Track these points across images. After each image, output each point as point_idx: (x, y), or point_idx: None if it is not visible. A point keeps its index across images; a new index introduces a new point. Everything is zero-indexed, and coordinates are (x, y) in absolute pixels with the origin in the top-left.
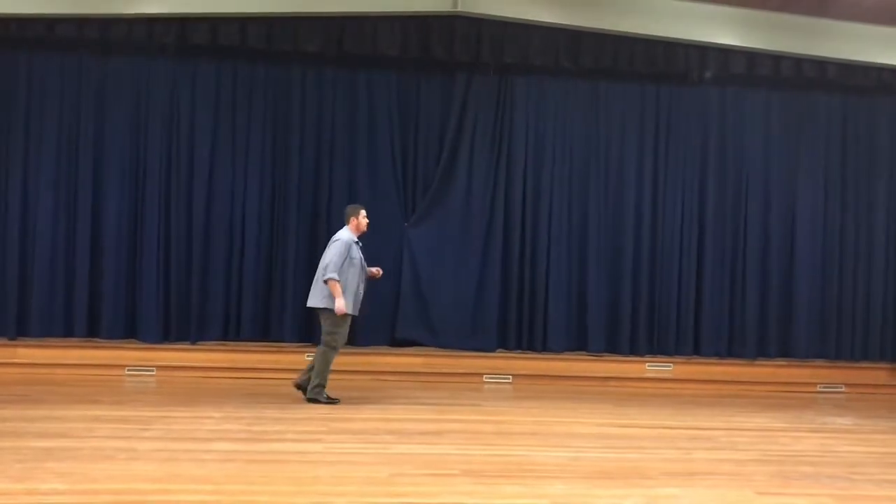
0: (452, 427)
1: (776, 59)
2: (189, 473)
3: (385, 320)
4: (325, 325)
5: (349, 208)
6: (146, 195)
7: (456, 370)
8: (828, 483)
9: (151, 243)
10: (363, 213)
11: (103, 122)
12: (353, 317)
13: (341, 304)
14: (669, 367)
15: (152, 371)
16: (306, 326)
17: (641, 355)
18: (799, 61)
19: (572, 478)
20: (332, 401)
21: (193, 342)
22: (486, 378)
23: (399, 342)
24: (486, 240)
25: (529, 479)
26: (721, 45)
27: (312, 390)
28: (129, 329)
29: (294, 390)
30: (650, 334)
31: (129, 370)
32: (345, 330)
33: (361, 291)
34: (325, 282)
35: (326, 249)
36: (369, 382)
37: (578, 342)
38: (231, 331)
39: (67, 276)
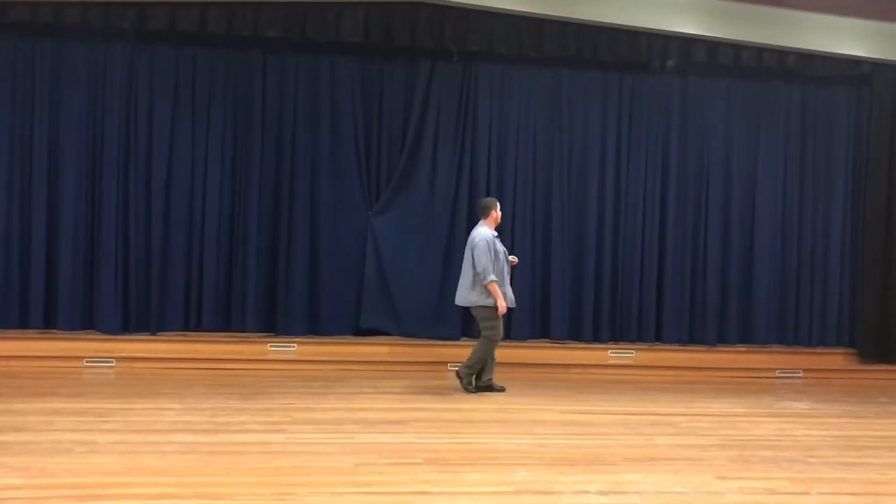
0: (417, 416)
1: (737, 48)
2: (149, 466)
3: (349, 309)
4: (481, 321)
5: (488, 201)
6: (103, 184)
7: (420, 359)
8: (786, 466)
9: (109, 232)
10: (499, 205)
11: (58, 110)
12: (510, 308)
13: (503, 306)
14: (631, 353)
15: (111, 363)
16: (268, 316)
17: (604, 342)
18: (760, 51)
19: (536, 464)
20: (471, 388)
21: (154, 333)
22: (450, 366)
23: (363, 331)
24: (450, 228)
25: (494, 466)
26: (683, 34)
27: (464, 368)
28: (88, 320)
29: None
30: (612, 322)
31: (87, 362)
32: (500, 322)
33: (509, 283)
34: (485, 285)
35: (470, 248)
36: (333, 372)
37: (542, 330)
38: (192, 321)
39: (22, 266)
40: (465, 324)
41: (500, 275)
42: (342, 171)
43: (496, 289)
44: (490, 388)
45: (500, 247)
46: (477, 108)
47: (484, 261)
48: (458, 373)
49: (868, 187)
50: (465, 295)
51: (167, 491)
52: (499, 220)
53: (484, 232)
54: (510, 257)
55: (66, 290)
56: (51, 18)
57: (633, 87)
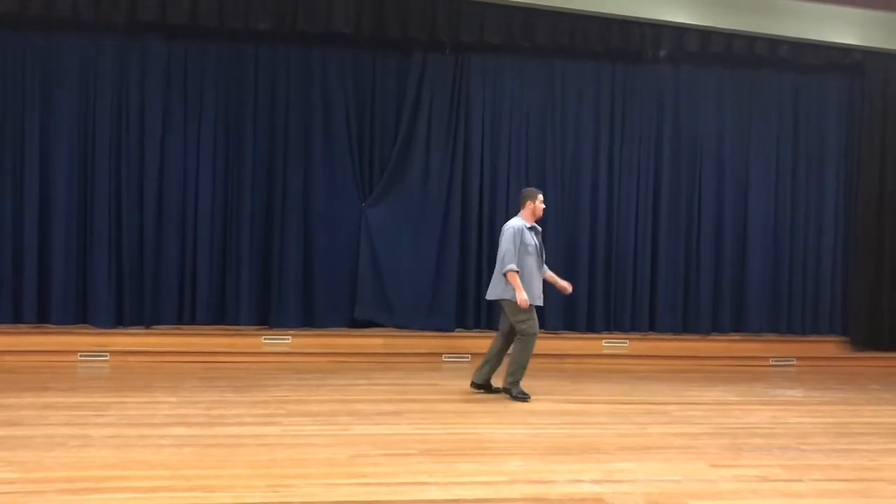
0: (411, 407)
1: (729, 37)
2: (144, 459)
3: (343, 301)
4: (511, 316)
5: (527, 192)
6: (96, 177)
7: (415, 350)
8: (778, 454)
9: (102, 226)
10: (541, 197)
11: (50, 103)
12: (538, 306)
13: (523, 297)
14: (625, 343)
15: (106, 356)
16: (262, 309)
17: (598, 332)
18: (752, 40)
19: (530, 454)
20: (523, 397)
21: (147, 326)
22: (444, 357)
23: (357, 323)
24: (444, 219)
25: (488, 456)
26: (675, 23)
27: (510, 379)
28: (81, 314)
29: (472, 390)
30: (606, 312)
31: (81, 356)
32: (534, 315)
33: (540, 279)
34: (504, 274)
35: (500, 240)
36: (328, 364)
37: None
38: (186, 314)
39: (15, 261)
40: (459, 315)
41: (528, 268)
42: (335, 163)
43: (515, 279)
44: (489, 387)
45: (533, 240)
46: (469, 99)
47: (505, 247)
48: (504, 390)
49: (860, 175)
50: (492, 288)
51: (162, 484)
52: (538, 213)
53: (515, 222)
54: (564, 283)
55: (60, 285)
56: (41, 10)
57: (625, 76)
